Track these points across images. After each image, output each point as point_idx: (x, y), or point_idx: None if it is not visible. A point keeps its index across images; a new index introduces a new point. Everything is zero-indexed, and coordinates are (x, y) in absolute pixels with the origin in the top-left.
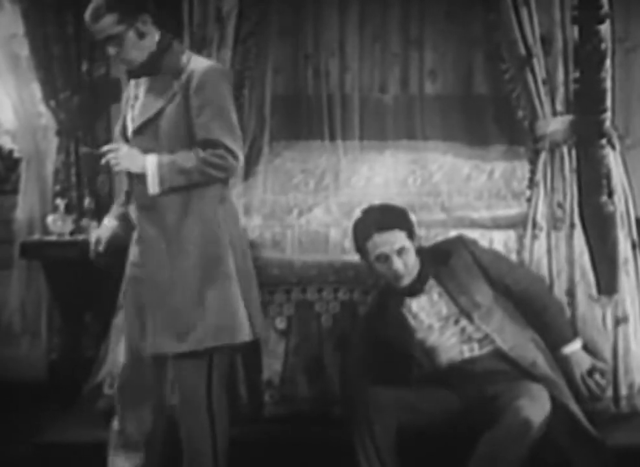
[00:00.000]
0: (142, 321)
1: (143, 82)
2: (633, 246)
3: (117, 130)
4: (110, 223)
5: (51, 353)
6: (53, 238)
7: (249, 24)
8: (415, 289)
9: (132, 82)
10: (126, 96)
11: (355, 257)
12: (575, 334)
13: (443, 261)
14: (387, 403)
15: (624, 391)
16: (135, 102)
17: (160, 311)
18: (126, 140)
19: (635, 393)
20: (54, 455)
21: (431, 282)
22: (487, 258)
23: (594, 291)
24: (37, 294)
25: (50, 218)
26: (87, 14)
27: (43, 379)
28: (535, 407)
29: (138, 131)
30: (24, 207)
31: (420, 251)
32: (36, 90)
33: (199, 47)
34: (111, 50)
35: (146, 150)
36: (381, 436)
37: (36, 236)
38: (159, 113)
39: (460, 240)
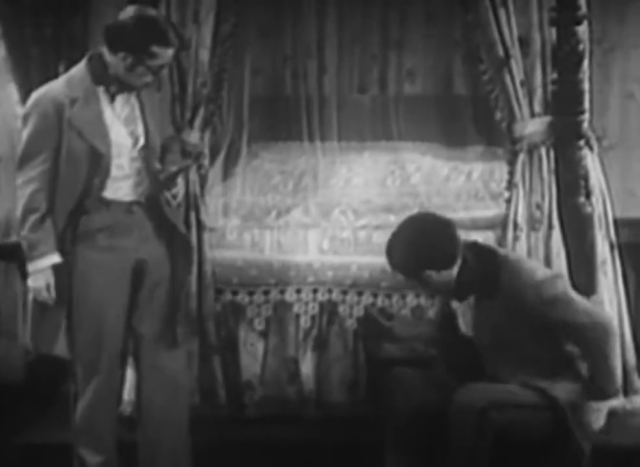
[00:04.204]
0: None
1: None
2: (611, 247)
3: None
4: (51, 260)
5: (28, 354)
6: None
7: (227, 25)
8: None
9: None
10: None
11: (333, 258)
12: (614, 393)
13: (488, 288)
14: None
15: None
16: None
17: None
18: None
19: None
20: (32, 455)
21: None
22: (536, 300)
23: None
24: (14, 296)
25: None
26: (170, 41)
27: (20, 380)
28: None
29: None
30: (0, 209)
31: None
32: (13, 92)
33: (177, 49)
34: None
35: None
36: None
37: (13, 238)
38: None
39: (514, 276)
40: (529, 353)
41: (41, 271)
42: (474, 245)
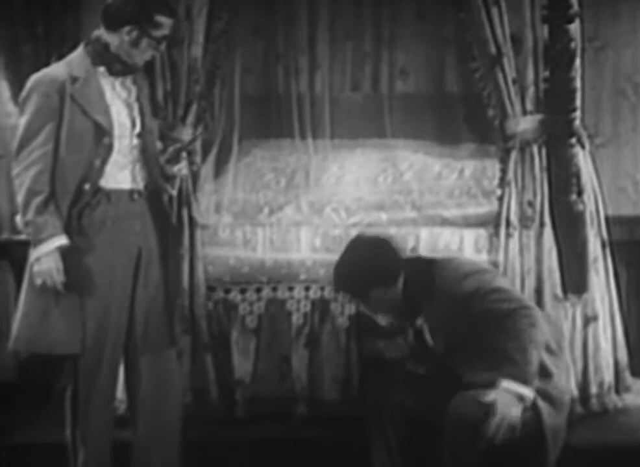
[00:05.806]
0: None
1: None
2: (603, 245)
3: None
4: (59, 242)
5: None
6: (22, 237)
7: (220, 23)
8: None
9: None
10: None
11: (325, 255)
12: (527, 383)
13: (428, 296)
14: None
15: (594, 390)
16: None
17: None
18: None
19: (605, 391)
20: (24, 456)
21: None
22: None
23: (559, 290)
24: (6, 294)
25: (19, 218)
26: (172, 10)
27: (12, 379)
28: None
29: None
30: None
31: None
32: (5, 89)
33: (169, 46)
34: (161, 48)
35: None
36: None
37: (5, 235)
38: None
39: (444, 276)
40: (480, 348)
41: (49, 254)
42: (416, 260)
